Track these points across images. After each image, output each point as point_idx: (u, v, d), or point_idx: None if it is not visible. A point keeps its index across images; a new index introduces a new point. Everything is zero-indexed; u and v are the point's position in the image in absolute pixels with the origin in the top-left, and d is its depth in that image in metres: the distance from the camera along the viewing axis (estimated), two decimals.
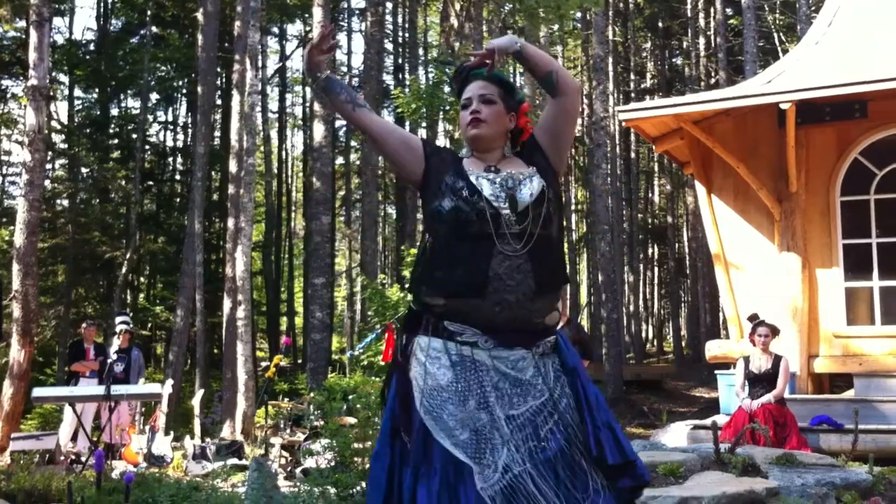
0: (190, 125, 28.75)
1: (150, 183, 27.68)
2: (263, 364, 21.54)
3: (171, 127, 31.33)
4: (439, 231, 2.71)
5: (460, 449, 2.51)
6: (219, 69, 23.60)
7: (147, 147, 27.18)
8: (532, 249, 2.64)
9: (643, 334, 38.42)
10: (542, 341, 2.68)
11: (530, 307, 2.63)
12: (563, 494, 2.52)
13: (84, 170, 24.85)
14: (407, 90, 16.79)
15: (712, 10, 30.14)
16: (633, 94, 33.67)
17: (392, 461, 2.60)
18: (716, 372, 11.09)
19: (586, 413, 2.61)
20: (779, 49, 28.18)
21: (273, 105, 34.85)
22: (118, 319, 11.93)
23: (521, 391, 2.61)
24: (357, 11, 33.90)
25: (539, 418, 2.59)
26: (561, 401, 2.64)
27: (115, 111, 28.36)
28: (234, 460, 10.24)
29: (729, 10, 29.87)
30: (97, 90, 27.02)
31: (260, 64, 23.73)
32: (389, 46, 32.30)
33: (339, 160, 33.14)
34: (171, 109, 31.01)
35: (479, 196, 2.66)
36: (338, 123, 31.77)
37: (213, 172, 25.50)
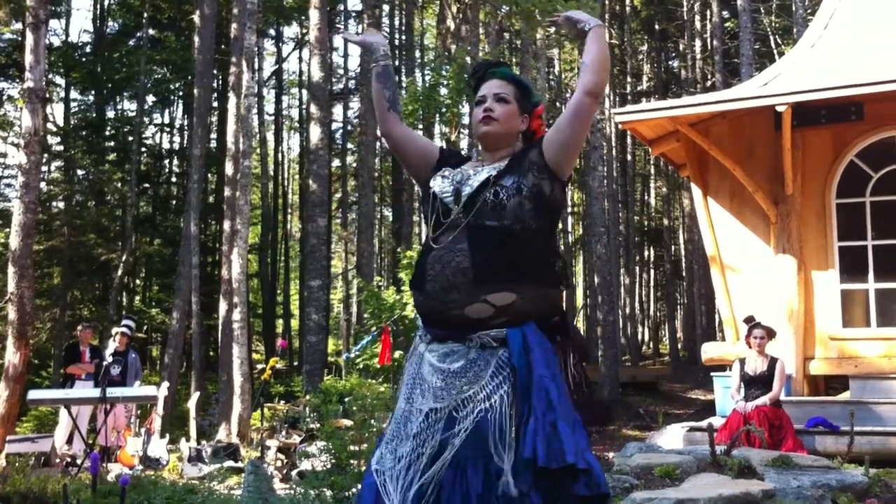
0: (186, 127, 28.74)
1: (147, 185, 27.69)
2: (259, 366, 21.57)
3: (168, 129, 31.34)
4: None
5: (385, 436, 2.66)
6: (215, 71, 23.59)
7: (143, 149, 27.21)
8: (459, 239, 2.61)
9: (639, 336, 38.45)
10: (475, 334, 2.58)
11: (443, 297, 2.59)
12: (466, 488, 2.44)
13: (80, 172, 24.87)
14: (404, 92, 16.79)
15: (709, 12, 30.20)
16: (629, 97, 33.71)
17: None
18: (712, 374, 11.09)
19: (532, 414, 2.47)
20: (775, 52, 28.24)
21: (269, 107, 34.94)
22: (123, 322, 11.91)
23: (446, 384, 2.57)
24: (354, 14, 33.92)
25: (461, 412, 2.53)
26: (493, 396, 2.53)
27: (111, 113, 28.40)
28: (230, 463, 10.24)
29: (725, 13, 29.92)
30: (93, 92, 27.02)
31: (256, 66, 23.78)
32: None
33: (336, 162, 33.20)
34: (167, 112, 31.05)
35: (433, 195, 2.74)
36: (334, 126, 31.83)
37: (209, 175, 25.51)
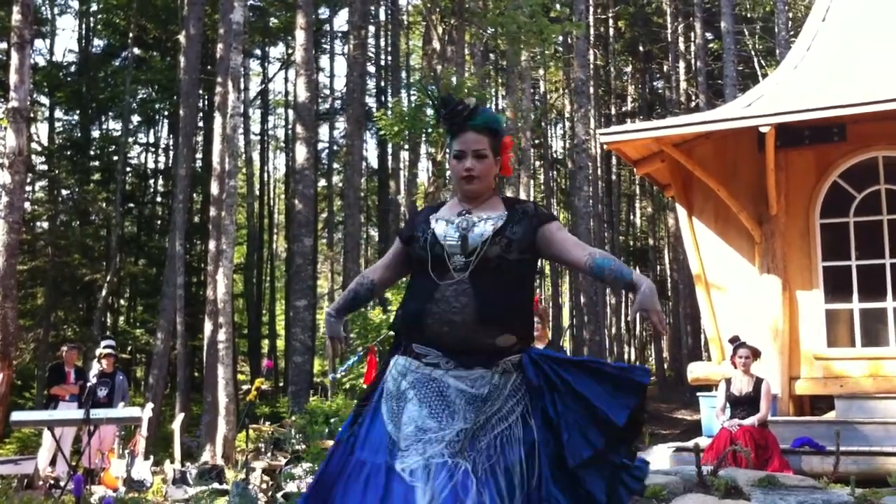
0: (171, 147, 28.68)
1: (131, 205, 27.59)
2: (245, 387, 21.44)
3: (153, 149, 31.24)
4: (413, 272, 3.14)
5: (396, 437, 2.88)
6: (201, 91, 23.60)
7: (128, 169, 27.12)
8: (478, 280, 2.93)
9: (625, 356, 38.45)
10: (501, 360, 2.92)
11: (476, 328, 2.89)
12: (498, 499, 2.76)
13: (64, 192, 24.78)
14: (389, 113, 16.82)
15: (692, 34, 30.44)
16: (614, 118, 33.87)
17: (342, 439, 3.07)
18: (698, 394, 11.10)
19: (562, 429, 2.86)
20: (758, 73, 28.45)
21: (255, 127, 34.91)
22: (103, 344, 11.82)
23: (474, 407, 2.86)
24: (340, 34, 34.02)
25: (485, 429, 2.85)
26: (510, 416, 2.89)
27: (96, 133, 28.30)
28: (215, 485, 10.15)
29: (709, 35, 30.16)
30: (78, 112, 26.95)
31: (242, 86, 23.78)
32: (372, 69, 32.42)
33: (322, 182, 33.17)
34: (152, 131, 30.95)
35: (433, 237, 3.03)
36: (320, 146, 31.84)
37: (194, 194, 25.44)
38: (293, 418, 12.24)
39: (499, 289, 2.94)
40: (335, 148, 34.28)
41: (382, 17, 32.49)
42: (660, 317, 2.82)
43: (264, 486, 10.13)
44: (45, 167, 25.55)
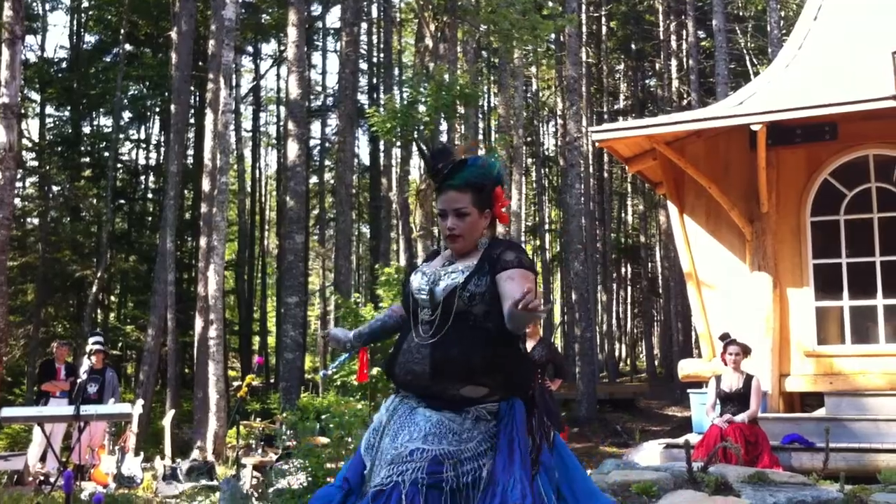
0: (163, 143, 28.61)
1: (122, 201, 27.52)
2: (235, 384, 21.42)
3: (144, 145, 31.13)
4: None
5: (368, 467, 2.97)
6: (192, 88, 23.51)
7: (119, 165, 27.04)
8: (442, 332, 2.93)
9: (616, 353, 38.53)
10: (472, 408, 2.88)
11: (436, 379, 2.90)
12: None
13: (55, 188, 24.68)
14: (382, 109, 16.80)
15: (684, 32, 30.47)
16: (606, 115, 33.91)
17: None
18: (688, 391, 11.13)
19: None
20: (750, 71, 28.50)
21: (247, 124, 34.87)
22: (91, 339, 11.79)
23: (439, 433, 2.85)
24: (332, 31, 33.97)
25: (448, 461, 2.79)
26: (480, 458, 2.82)
27: (87, 129, 28.18)
28: (206, 481, 10.16)
29: (701, 33, 30.20)
30: (69, 108, 26.85)
31: (234, 83, 23.74)
32: (364, 66, 32.38)
33: (313, 179, 33.15)
34: (143, 128, 30.84)
35: (408, 290, 3.09)
36: (312, 142, 31.82)
37: (185, 191, 25.39)
38: (284, 415, 12.21)
39: (464, 341, 2.89)
40: (327, 145, 34.24)
41: (375, 13, 32.45)
42: (526, 299, 2.53)
43: (255, 482, 10.13)
44: (35, 163, 25.46)
